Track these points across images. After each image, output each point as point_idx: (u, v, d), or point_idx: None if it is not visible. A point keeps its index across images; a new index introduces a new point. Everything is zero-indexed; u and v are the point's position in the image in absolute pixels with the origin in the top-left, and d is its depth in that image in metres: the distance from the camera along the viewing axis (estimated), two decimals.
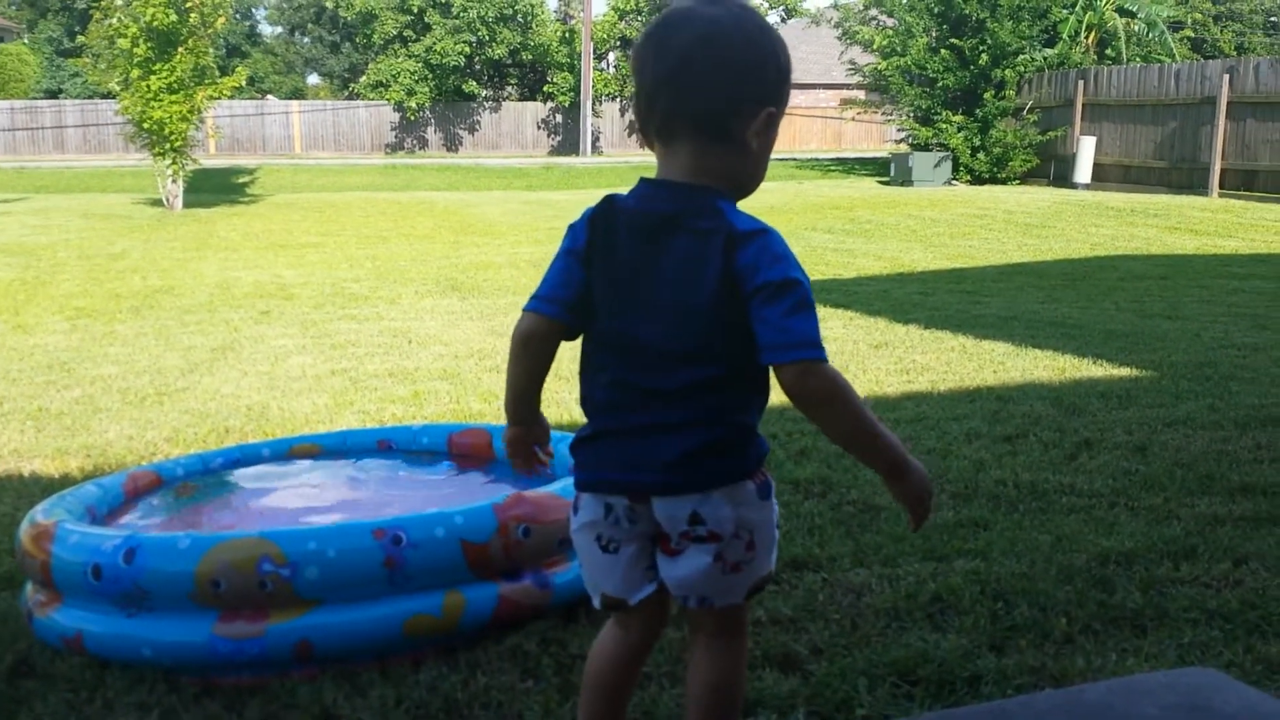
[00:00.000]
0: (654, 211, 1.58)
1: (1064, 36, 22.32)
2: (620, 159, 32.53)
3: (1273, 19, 47.54)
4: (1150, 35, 24.20)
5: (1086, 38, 23.35)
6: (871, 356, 5.96)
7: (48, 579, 2.58)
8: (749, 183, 1.62)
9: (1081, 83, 20.13)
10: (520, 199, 19.68)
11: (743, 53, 1.54)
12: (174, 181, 17.08)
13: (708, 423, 1.56)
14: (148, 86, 16.32)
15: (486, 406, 4.98)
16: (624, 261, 1.59)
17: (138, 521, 3.00)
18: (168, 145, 16.71)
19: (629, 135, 38.75)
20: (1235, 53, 26.38)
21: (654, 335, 1.57)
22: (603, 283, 1.61)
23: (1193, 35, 37.46)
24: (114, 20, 16.35)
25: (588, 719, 1.76)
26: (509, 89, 40.09)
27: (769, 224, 1.56)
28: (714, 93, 1.53)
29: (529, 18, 37.09)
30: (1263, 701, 2.00)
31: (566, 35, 36.98)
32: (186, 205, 17.26)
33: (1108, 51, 23.66)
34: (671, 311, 1.55)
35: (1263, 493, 3.48)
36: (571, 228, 1.65)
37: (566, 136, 37.00)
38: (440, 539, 2.48)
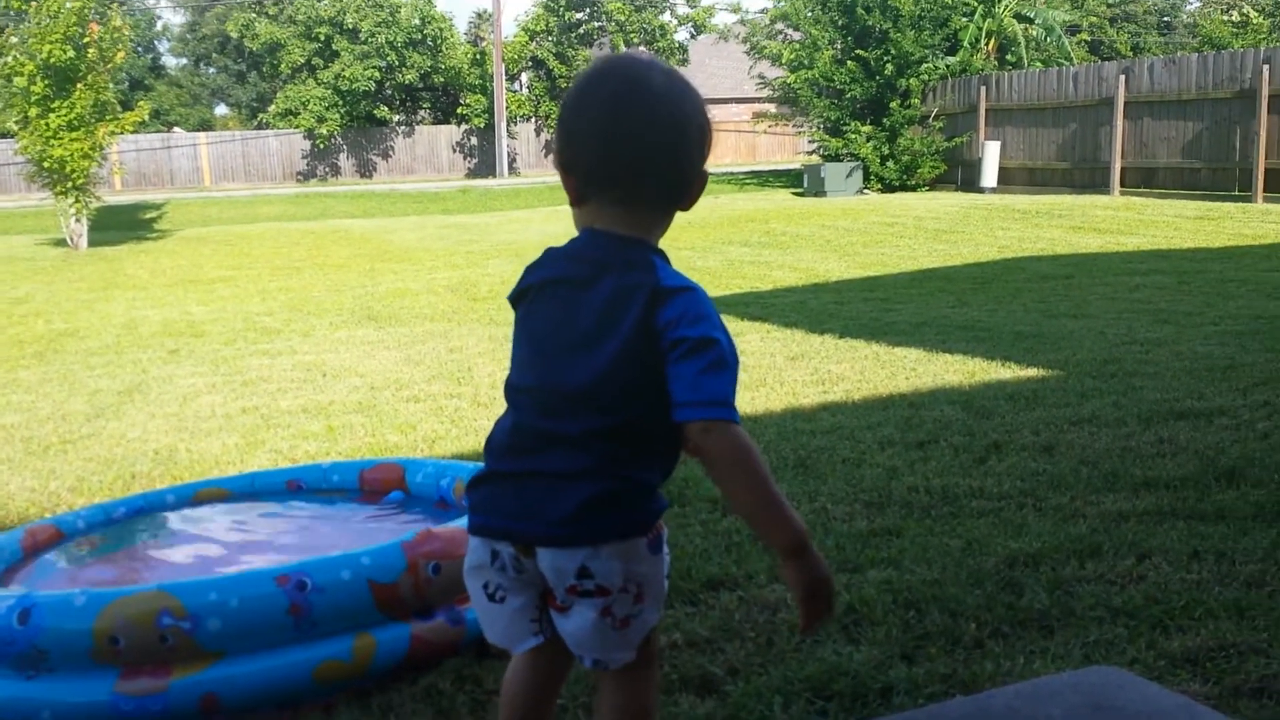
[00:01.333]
0: (588, 259, 1.58)
1: (965, 44, 22.86)
2: (537, 179, 32.51)
3: (1165, 19, 49.23)
4: (1049, 40, 24.89)
5: (987, 44, 23.95)
6: (788, 368, 6.01)
7: None
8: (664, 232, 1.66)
9: (984, 88, 20.62)
10: (437, 223, 19.54)
11: (705, 122, 1.60)
12: (78, 220, 16.66)
13: (603, 474, 1.53)
14: (46, 124, 15.91)
15: (403, 439, 4.92)
16: (548, 307, 1.59)
17: (36, 579, 2.91)
18: (70, 184, 16.30)
19: (545, 156, 38.77)
20: (1131, 53, 27.28)
21: (561, 379, 1.56)
22: (524, 327, 1.62)
23: (1089, 38, 38.63)
24: (9, 58, 15.91)
25: None
26: (422, 113, 39.87)
27: (694, 281, 1.58)
28: (689, 158, 1.59)
29: (438, 41, 36.97)
30: (1162, 697, 2.05)
31: (478, 57, 36.93)
32: (92, 244, 16.84)
33: (1008, 57, 24.28)
34: (584, 356, 1.54)
35: (1165, 486, 3.58)
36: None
37: (482, 159, 36.89)
38: (347, 581, 2.44)
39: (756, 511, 1.52)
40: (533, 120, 37.50)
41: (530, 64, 37.80)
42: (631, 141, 1.56)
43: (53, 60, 15.54)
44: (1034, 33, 24.81)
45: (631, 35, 38.33)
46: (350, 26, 35.59)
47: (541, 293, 1.61)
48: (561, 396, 1.55)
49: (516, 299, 1.65)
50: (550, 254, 1.64)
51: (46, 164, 16.15)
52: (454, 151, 37.32)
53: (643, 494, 1.57)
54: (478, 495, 1.63)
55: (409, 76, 36.58)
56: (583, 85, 1.60)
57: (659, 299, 1.52)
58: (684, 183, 1.61)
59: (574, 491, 1.53)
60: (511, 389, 1.63)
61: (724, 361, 1.51)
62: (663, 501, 1.61)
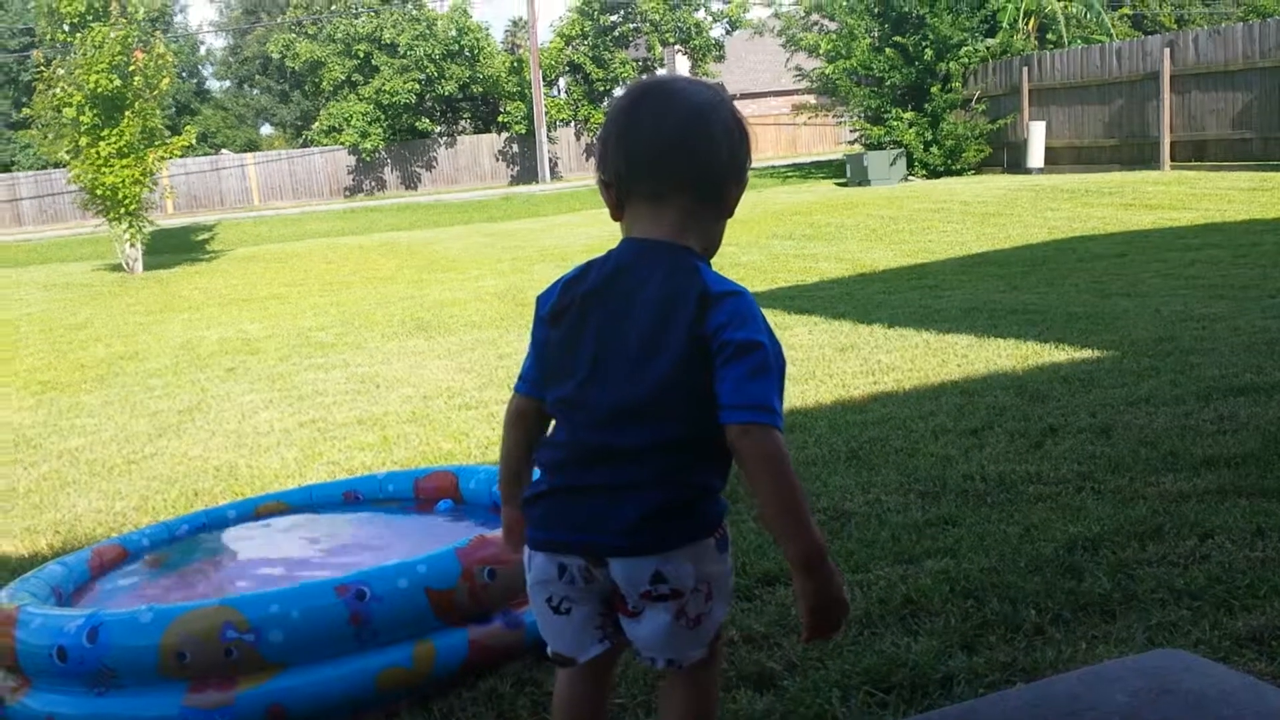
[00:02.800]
0: (635, 269, 1.60)
1: (1004, 25, 22.53)
2: (580, 183, 32.59)
3: None
4: (1089, 16, 24.49)
5: (1026, 24, 23.59)
6: (837, 360, 5.98)
7: (15, 664, 2.56)
8: (716, 247, 1.69)
9: (1026, 69, 20.33)
10: (482, 231, 19.67)
11: (736, 127, 1.64)
12: (132, 245, 16.99)
13: (666, 484, 1.55)
14: (97, 153, 16.23)
15: (457, 446, 4.97)
16: (596, 321, 1.61)
17: (104, 598, 2.98)
18: (122, 210, 16.62)
19: (586, 159, 38.85)
20: (1175, 26, 26.72)
21: (615, 393, 1.57)
22: (568, 343, 1.63)
23: (1130, 13, 37.93)
24: (58, 90, 16.26)
25: None
26: (463, 123, 40.13)
27: (740, 285, 1.59)
28: (714, 162, 1.62)
29: (476, 51, 37.19)
30: (1229, 678, 2.01)
31: (515, 65, 37.09)
32: (147, 268, 17.17)
33: (1049, 36, 23.92)
34: (636, 368, 1.56)
35: (1226, 464, 3.51)
36: (542, 295, 1.69)
37: (524, 165, 37.06)
38: (404, 590, 2.47)
39: (778, 517, 1.52)
40: (572, 124, 37.60)
41: (567, 69, 37.91)
42: (656, 143, 1.60)
43: (100, 90, 15.85)
44: (1074, 10, 24.41)
45: (667, 35, 38.32)
46: (388, 41, 35.93)
47: (587, 306, 1.62)
48: (615, 412, 1.56)
49: (558, 315, 1.65)
50: (591, 266, 1.65)
51: (99, 192, 16.48)
52: (496, 159, 37.53)
53: (705, 497, 1.59)
54: (538, 510, 1.64)
55: (448, 88, 36.84)
56: (615, 101, 1.67)
57: (707, 304, 1.54)
58: (715, 183, 1.63)
59: (640, 501, 1.54)
60: (564, 404, 1.63)
61: (768, 366, 1.53)
62: (724, 503, 1.62)
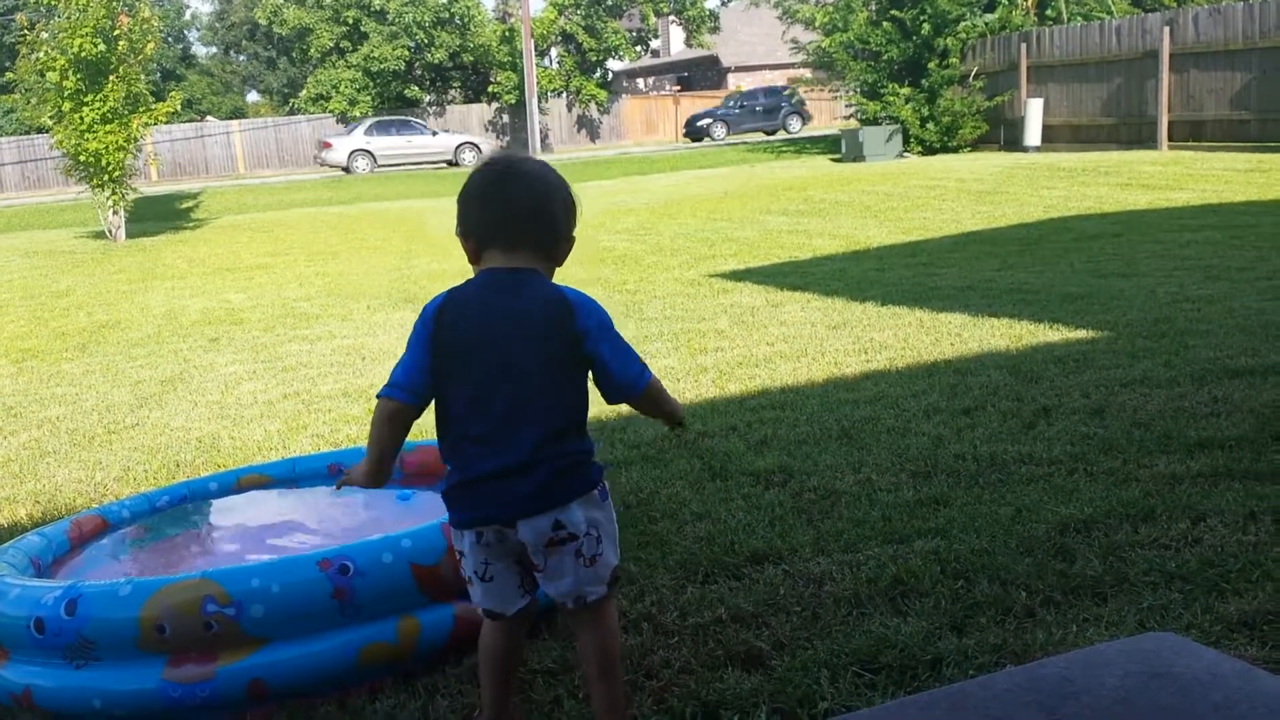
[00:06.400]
0: (499, 289, 2.00)
1: (1003, 0, 22.42)
2: (570, 154, 32.46)
3: None
4: None
5: (1025, 0, 23.47)
6: (830, 337, 5.94)
7: None
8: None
9: (1024, 45, 20.24)
10: None
11: (566, 194, 2.09)
12: (115, 213, 16.80)
13: (551, 461, 1.96)
14: (80, 118, 16.01)
15: None
16: (477, 335, 1.97)
17: (83, 569, 2.93)
18: (106, 176, 16.41)
19: (578, 131, 38.65)
20: (1175, 4, 26.61)
21: (507, 394, 1.95)
22: (453, 358, 1.98)
23: None
24: (41, 54, 16.01)
25: (489, 692, 2.13)
26: (452, 92, 39.87)
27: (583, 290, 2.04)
28: (552, 224, 2.06)
29: (466, 19, 36.91)
30: (1220, 662, 1.98)
31: (506, 34, 36.83)
32: (130, 235, 17.00)
33: (1047, 12, 23.76)
34: (523, 369, 1.95)
35: (1220, 447, 3.49)
36: (421, 317, 2.03)
37: (514, 136, 36.86)
38: (388, 564, 2.43)
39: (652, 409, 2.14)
40: (564, 95, 37.39)
41: (560, 38, 37.65)
42: (511, 211, 2.03)
43: (83, 54, 15.60)
44: None
45: (661, 5, 38.05)
46: (377, 8, 35.61)
47: (460, 323, 2.00)
48: (505, 413, 1.96)
49: (438, 336, 2.01)
50: (459, 291, 2.02)
51: (82, 158, 16.27)
52: (486, 130, 37.30)
53: (585, 459, 2.02)
54: (456, 499, 2.03)
55: (438, 56, 36.58)
56: (477, 173, 2.07)
57: (570, 309, 1.98)
58: (552, 242, 2.06)
59: (534, 477, 1.95)
60: (455, 402, 2.01)
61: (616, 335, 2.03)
62: (601, 464, 2.06)
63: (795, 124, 36.37)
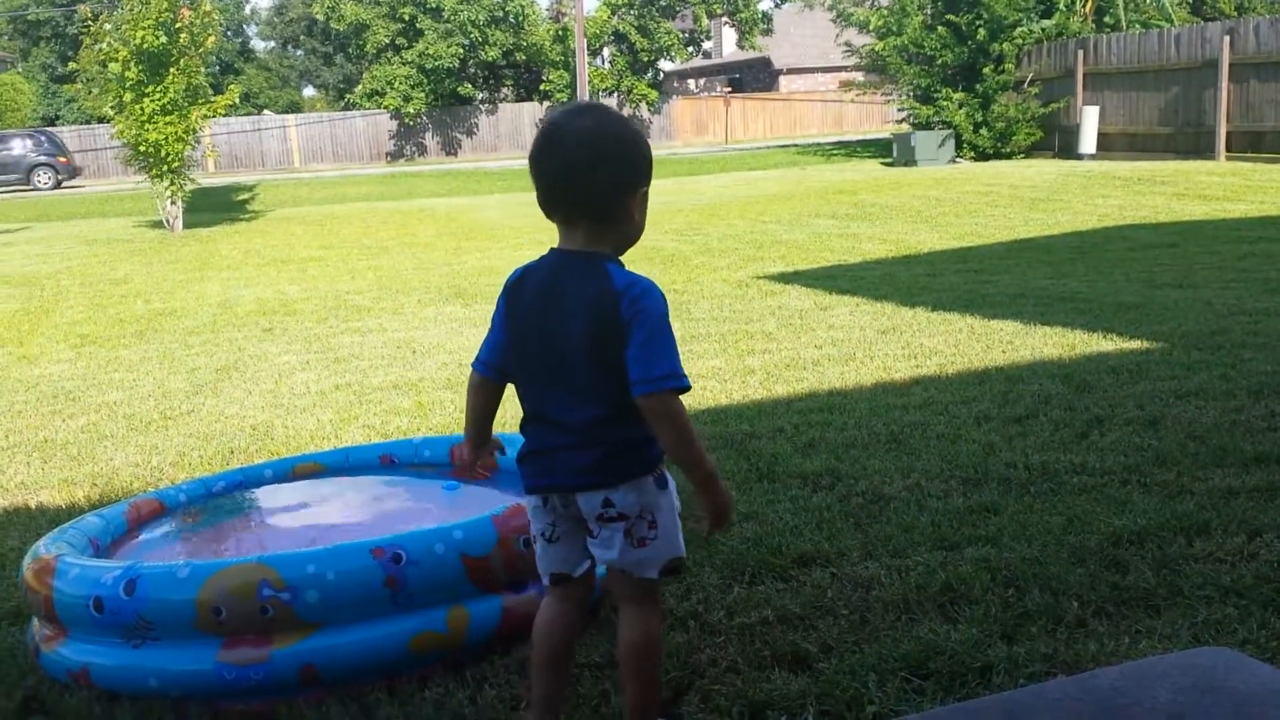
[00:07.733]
0: (556, 275, 1.99)
1: (1061, 6, 22.12)
2: None
3: None
4: (1148, 1, 23.97)
5: (1084, 6, 23.14)
6: (879, 342, 5.91)
7: (51, 614, 2.58)
8: (630, 243, 2.03)
9: (1081, 52, 19.98)
10: (521, 200, 19.64)
11: (616, 151, 1.95)
12: (173, 203, 17.08)
13: (605, 442, 1.98)
14: (141, 109, 16.30)
15: None
16: (533, 321, 2.00)
17: (140, 551, 2.99)
18: (165, 167, 16.69)
19: None
20: (1235, 13, 26.13)
21: (559, 379, 1.98)
22: (518, 338, 2.03)
23: None
24: (104, 45, 16.31)
25: (541, 685, 2.10)
26: (505, 90, 40.07)
27: (643, 276, 1.95)
28: (600, 190, 1.94)
29: (520, 18, 37.07)
30: (1275, 678, 1.96)
31: (559, 33, 36.94)
32: (187, 225, 17.28)
33: (1106, 19, 23.44)
34: (570, 360, 1.95)
35: (1277, 462, 3.43)
36: (503, 289, 2.06)
37: None
38: (440, 555, 2.46)
39: (675, 452, 1.97)
40: (615, 95, 37.42)
41: (612, 38, 37.71)
42: (547, 182, 1.96)
43: (145, 46, 15.88)
44: None
45: (714, 6, 37.99)
46: (433, 5, 35.85)
47: (528, 308, 2.01)
48: (562, 394, 1.99)
49: (509, 314, 2.05)
50: (529, 272, 2.03)
51: (142, 148, 16.55)
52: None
53: (639, 445, 1.99)
54: (525, 467, 2.08)
55: (492, 54, 36.76)
56: (537, 141, 1.99)
57: (617, 300, 1.91)
58: (605, 206, 1.95)
59: (587, 454, 1.98)
60: (523, 379, 2.07)
61: (664, 332, 1.93)
62: (658, 450, 2.01)
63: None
